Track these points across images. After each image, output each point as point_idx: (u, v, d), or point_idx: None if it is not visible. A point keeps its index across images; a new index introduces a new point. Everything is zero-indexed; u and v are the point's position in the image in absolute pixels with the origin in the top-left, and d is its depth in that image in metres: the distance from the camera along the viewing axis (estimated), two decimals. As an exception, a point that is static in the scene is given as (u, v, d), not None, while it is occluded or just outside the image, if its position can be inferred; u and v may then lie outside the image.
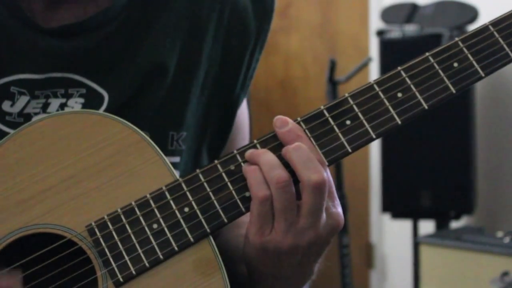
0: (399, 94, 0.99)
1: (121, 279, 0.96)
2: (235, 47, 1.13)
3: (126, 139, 0.99)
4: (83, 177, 0.98)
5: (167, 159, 1.00)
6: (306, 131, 0.99)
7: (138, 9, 1.09)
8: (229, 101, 1.14)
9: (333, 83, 3.18)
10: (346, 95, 1.00)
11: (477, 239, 2.81)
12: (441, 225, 3.23)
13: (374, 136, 0.99)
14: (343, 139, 0.98)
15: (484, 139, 3.41)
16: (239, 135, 1.18)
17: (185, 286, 0.96)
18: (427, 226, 3.34)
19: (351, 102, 0.99)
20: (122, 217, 0.97)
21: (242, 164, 0.98)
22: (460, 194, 3.18)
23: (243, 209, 0.97)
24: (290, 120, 0.98)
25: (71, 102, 1.05)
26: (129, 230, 0.97)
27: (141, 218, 0.97)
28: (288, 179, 0.95)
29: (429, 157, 3.20)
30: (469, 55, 1.00)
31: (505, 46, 1.00)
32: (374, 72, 3.72)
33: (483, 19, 3.09)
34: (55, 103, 1.05)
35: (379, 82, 1.00)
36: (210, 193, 0.98)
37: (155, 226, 0.97)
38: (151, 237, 0.97)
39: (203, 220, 0.97)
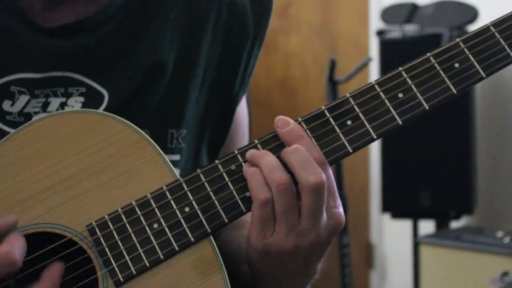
0: (400, 95, 0.99)
1: (121, 279, 0.95)
2: (233, 45, 1.13)
3: (127, 139, 0.99)
4: (84, 177, 0.98)
5: (167, 158, 1.00)
6: (307, 131, 0.99)
7: (137, 8, 1.09)
8: (228, 99, 1.14)
9: (333, 83, 3.18)
10: (347, 95, 1.00)
11: (477, 239, 2.81)
12: (441, 225, 3.23)
13: (375, 137, 0.99)
14: (344, 139, 0.98)
15: (484, 139, 3.40)
16: (239, 131, 1.18)
17: (186, 286, 0.96)
18: (427, 226, 3.34)
19: (352, 102, 0.99)
20: (123, 216, 0.97)
21: (243, 164, 0.98)
22: (460, 194, 3.17)
23: (243, 209, 0.97)
24: (291, 120, 0.98)
25: (71, 101, 1.05)
26: (130, 230, 0.97)
27: (141, 217, 0.97)
28: (288, 181, 0.95)
29: (429, 157, 3.19)
30: (470, 56, 1.00)
31: (506, 47, 1.00)
32: (374, 72, 3.72)
33: (483, 19, 3.09)
34: (55, 102, 1.05)
35: (380, 83, 1.00)
36: (211, 193, 0.98)
37: (155, 225, 0.97)
38: (151, 237, 0.97)
39: (203, 220, 0.97)
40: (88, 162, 0.99)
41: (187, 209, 0.97)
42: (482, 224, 3.28)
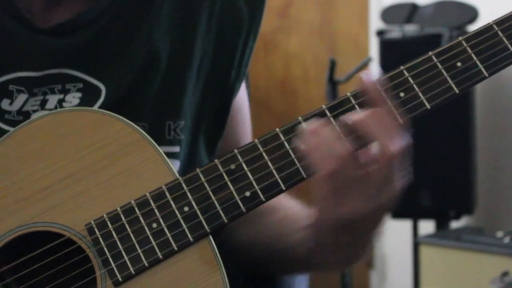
0: (402, 94, 0.99)
1: (120, 279, 0.95)
2: (228, 36, 1.13)
3: (126, 138, 0.99)
4: (83, 176, 0.98)
5: (167, 149, 1.00)
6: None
7: (131, 1, 1.09)
8: (224, 90, 1.14)
9: (333, 83, 3.18)
10: (348, 94, 0.99)
11: (477, 239, 2.80)
12: (441, 225, 3.23)
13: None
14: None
15: (484, 139, 3.40)
16: (238, 116, 1.18)
17: (185, 286, 0.96)
18: (427, 226, 3.34)
19: (353, 101, 0.99)
20: (122, 216, 0.97)
21: (243, 163, 0.98)
22: (460, 194, 3.17)
23: (243, 209, 0.97)
24: (373, 80, 0.97)
25: (69, 97, 1.05)
26: (129, 229, 0.97)
27: (140, 217, 0.97)
28: (353, 150, 0.94)
29: (429, 157, 3.19)
30: (473, 55, 0.99)
31: (509, 45, 0.99)
32: (374, 72, 3.72)
33: (483, 19, 3.09)
34: (53, 99, 1.05)
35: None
36: (210, 193, 0.97)
37: (154, 225, 0.97)
38: (150, 237, 0.96)
39: (203, 221, 0.97)
40: (87, 161, 0.98)
41: (186, 208, 0.97)
42: (482, 224, 3.27)
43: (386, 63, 3.24)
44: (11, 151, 0.99)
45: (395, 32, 3.27)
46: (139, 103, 1.07)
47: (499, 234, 2.82)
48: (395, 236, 3.86)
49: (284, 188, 0.98)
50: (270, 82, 4.34)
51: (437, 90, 0.99)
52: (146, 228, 0.96)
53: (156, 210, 0.97)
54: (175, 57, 1.10)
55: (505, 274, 2.57)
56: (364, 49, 4.01)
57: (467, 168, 3.17)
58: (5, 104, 1.04)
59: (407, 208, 3.30)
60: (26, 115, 1.05)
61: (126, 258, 0.96)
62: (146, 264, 0.96)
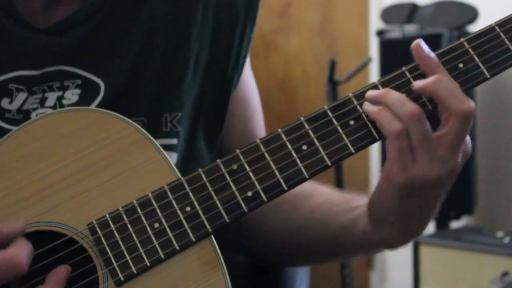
0: (404, 95, 0.99)
1: (122, 278, 0.95)
2: (224, 26, 1.13)
3: (128, 137, 0.99)
4: (85, 175, 0.98)
5: (164, 141, 1.00)
6: (309, 131, 0.98)
7: None
8: (223, 81, 1.14)
9: (333, 83, 3.18)
10: (350, 95, 1.00)
11: (477, 239, 2.80)
12: (441, 225, 3.23)
13: (377, 137, 0.99)
14: (346, 140, 0.98)
15: (484, 140, 3.40)
16: (249, 108, 1.19)
17: (186, 286, 0.96)
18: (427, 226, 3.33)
19: (355, 102, 0.99)
20: (124, 215, 0.97)
21: (245, 163, 0.98)
22: (460, 194, 3.17)
23: (245, 210, 0.97)
24: (426, 49, 0.99)
25: (67, 94, 1.05)
26: (131, 229, 0.97)
27: (142, 217, 0.97)
28: (421, 111, 0.95)
29: (429, 157, 3.19)
30: (475, 56, 0.99)
31: (511, 47, 0.99)
32: (374, 72, 3.72)
33: (483, 19, 3.09)
34: (52, 96, 1.05)
35: (383, 83, 0.99)
36: (212, 193, 0.97)
37: (156, 225, 0.97)
38: (152, 237, 0.96)
39: (205, 220, 0.97)
40: (89, 160, 0.98)
41: (188, 208, 0.97)
42: (482, 224, 3.27)
43: (386, 63, 3.24)
44: (12, 151, 0.99)
45: (395, 32, 3.27)
46: (137, 97, 1.08)
47: (499, 234, 2.83)
48: (395, 236, 3.85)
49: (286, 188, 0.98)
50: (270, 82, 4.34)
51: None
52: (148, 227, 0.97)
53: (158, 210, 0.97)
54: (171, 49, 1.10)
55: (505, 274, 2.57)
56: (364, 49, 4.01)
57: (467, 168, 3.16)
58: (5, 103, 1.05)
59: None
60: (25, 113, 1.05)
61: (128, 257, 0.96)
62: (148, 264, 0.96)
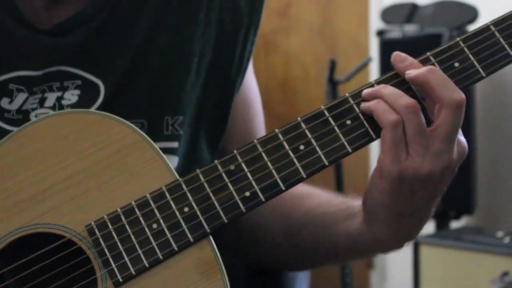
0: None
1: (120, 279, 0.95)
2: (228, 28, 1.13)
3: (126, 139, 0.99)
4: (83, 177, 0.98)
5: (165, 145, 1.00)
6: (306, 130, 0.98)
7: None
8: (225, 84, 1.14)
9: (333, 83, 3.18)
10: (347, 95, 1.00)
11: (477, 239, 2.80)
12: (441, 225, 3.23)
13: (374, 137, 0.99)
14: (343, 140, 0.98)
15: (484, 139, 3.40)
16: (251, 111, 1.19)
17: (185, 286, 0.96)
18: (427, 226, 3.33)
19: (352, 101, 0.99)
20: (122, 217, 0.97)
21: (242, 163, 0.98)
22: (460, 194, 3.17)
23: (243, 210, 0.97)
24: (408, 56, 0.99)
25: (67, 94, 1.06)
26: (129, 230, 0.97)
27: (140, 218, 0.97)
28: (416, 104, 0.95)
29: (429, 157, 3.19)
30: (470, 55, 0.99)
31: (506, 46, 0.99)
32: (374, 72, 3.72)
33: (483, 19, 3.08)
34: (51, 97, 1.05)
35: (380, 82, 1.00)
36: (210, 193, 0.98)
37: (154, 226, 0.97)
38: (150, 237, 0.96)
39: (203, 221, 0.97)
40: (87, 162, 0.99)
41: (186, 209, 0.97)
42: (482, 224, 3.27)
43: (386, 63, 3.22)
44: (11, 153, 0.99)
45: (395, 32, 3.27)
46: (138, 99, 1.08)
47: (499, 234, 2.82)
48: (395, 236, 3.85)
49: (283, 188, 0.98)
50: (270, 82, 4.34)
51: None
52: (146, 228, 0.97)
53: (156, 211, 0.97)
54: (173, 51, 1.10)
55: (505, 274, 2.57)
56: (364, 49, 4.01)
57: (467, 168, 3.17)
58: (5, 103, 1.05)
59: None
60: (25, 113, 1.05)
61: (126, 258, 0.96)
62: (147, 265, 0.96)
